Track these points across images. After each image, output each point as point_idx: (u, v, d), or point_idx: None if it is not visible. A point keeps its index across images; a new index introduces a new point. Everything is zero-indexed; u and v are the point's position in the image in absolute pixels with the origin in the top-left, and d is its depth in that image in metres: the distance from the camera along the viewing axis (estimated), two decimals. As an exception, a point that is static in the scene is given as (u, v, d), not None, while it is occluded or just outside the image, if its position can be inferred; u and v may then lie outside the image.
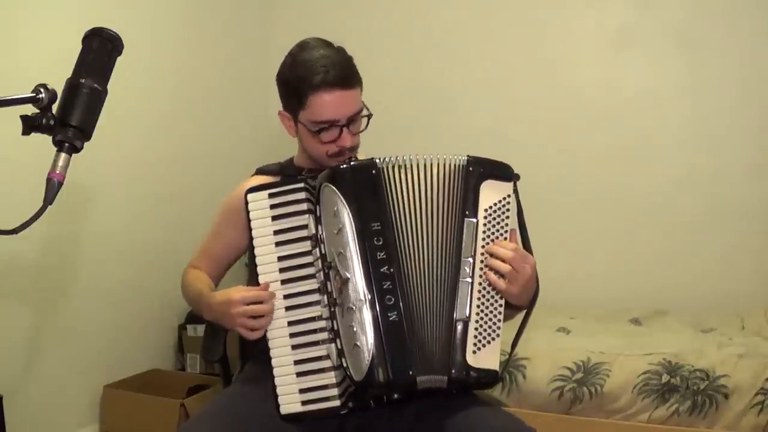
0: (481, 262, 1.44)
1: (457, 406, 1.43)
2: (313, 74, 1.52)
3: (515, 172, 1.50)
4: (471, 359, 1.39)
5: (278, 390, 1.45)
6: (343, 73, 1.53)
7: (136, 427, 2.73)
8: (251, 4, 3.72)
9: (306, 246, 1.48)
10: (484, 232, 1.45)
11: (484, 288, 1.43)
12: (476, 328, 1.41)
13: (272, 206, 1.50)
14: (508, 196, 1.48)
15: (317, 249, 1.46)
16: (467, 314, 1.41)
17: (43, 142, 1.17)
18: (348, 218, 1.42)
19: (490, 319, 1.42)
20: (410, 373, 1.38)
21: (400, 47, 3.63)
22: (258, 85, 3.52)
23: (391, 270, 1.41)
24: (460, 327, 1.40)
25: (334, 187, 1.44)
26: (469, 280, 1.42)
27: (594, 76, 3.33)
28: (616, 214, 3.29)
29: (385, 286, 1.40)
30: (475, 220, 1.45)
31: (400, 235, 1.45)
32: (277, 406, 1.44)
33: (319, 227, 1.46)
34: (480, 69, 3.50)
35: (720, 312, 2.96)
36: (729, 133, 3.15)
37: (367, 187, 1.45)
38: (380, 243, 1.42)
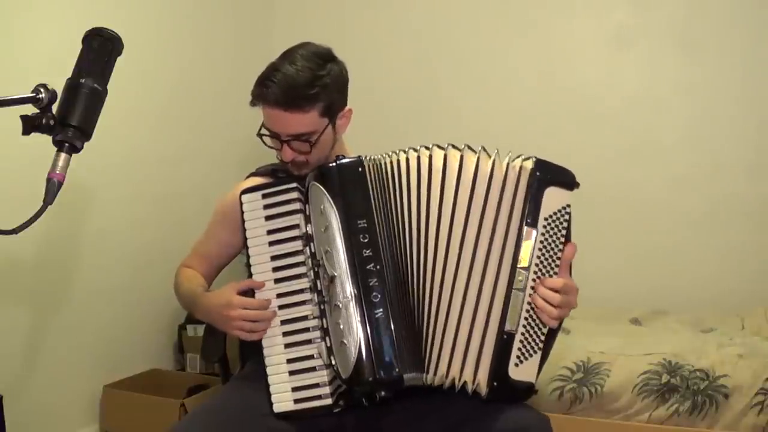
0: (535, 273, 1.41)
1: (465, 401, 1.44)
2: (258, 83, 1.52)
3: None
4: (512, 371, 1.38)
5: (271, 388, 1.46)
6: (285, 95, 1.48)
7: (136, 427, 2.73)
8: (250, 5, 3.72)
9: (298, 245, 1.49)
10: (542, 242, 1.41)
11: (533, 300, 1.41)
12: (521, 340, 1.40)
13: (266, 206, 1.52)
14: (568, 206, 1.44)
15: (308, 248, 1.46)
16: (515, 325, 1.39)
17: (43, 142, 1.18)
18: (334, 216, 1.43)
19: (536, 332, 1.41)
20: (396, 370, 1.37)
21: (400, 46, 3.63)
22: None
23: (378, 267, 1.41)
24: (507, 338, 1.39)
25: (321, 186, 1.45)
26: (523, 291, 1.40)
27: (593, 75, 3.33)
28: (615, 213, 3.29)
29: (370, 283, 1.40)
30: (534, 228, 1.41)
31: (389, 232, 1.44)
32: (271, 404, 1.45)
33: (309, 226, 1.46)
34: (480, 68, 3.50)
35: (720, 312, 2.95)
36: (728, 133, 3.14)
37: (353, 184, 1.45)
38: (366, 240, 1.42)
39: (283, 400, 1.45)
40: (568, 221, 1.44)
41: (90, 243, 2.82)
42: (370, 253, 1.41)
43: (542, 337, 1.41)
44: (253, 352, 1.60)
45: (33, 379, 2.60)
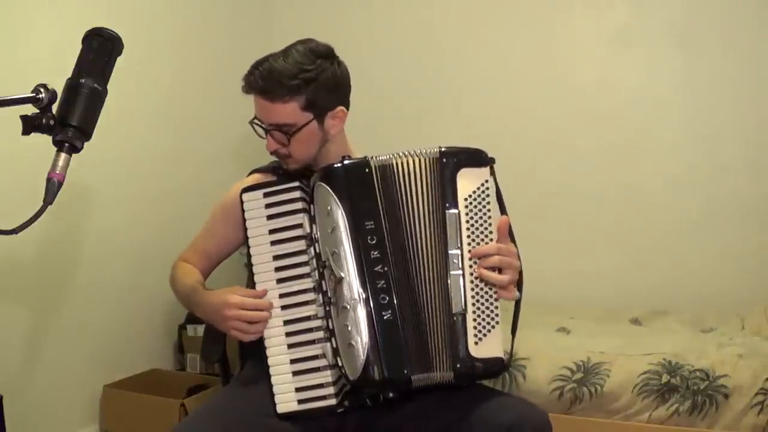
0: (469, 252, 1.43)
1: (464, 397, 1.44)
2: (247, 71, 1.55)
3: (490, 156, 1.49)
4: (474, 350, 1.39)
5: (274, 389, 1.46)
6: (266, 84, 1.51)
7: (136, 427, 2.73)
8: (249, 4, 3.72)
9: (301, 245, 1.48)
10: (467, 221, 1.44)
11: (476, 277, 1.43)
12: (474, 319, 1.41)
13: (267, 205, 1.51)
14: (486, 182, 1.47)
15: (312, 248, 1.46)
16: (463, 307, 1.41)
17: (43, 142, 1.17)
18: (341, 217, 1.42)
19: (487, 308, 1.42)
20: (405, 371, 1.38)
21: (402, 46, 3.63)
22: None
23: (385, 269, 1.41)
24: (458, 320, 1.40)
25: (327, 187, 1.44)
26: (459, 272, 1.42)
27: (593, 75, 3.34)
28: (615, 213, 3.29)
29: (379, 285, 1.40)
30: (456, 210, 1.44)
31: (396, 233, 1.44)
32: (274, 404, 1.45)
33: (314, 226, 1.46)
34: (480, 68, 3.50)
35: (720, 312, 2.95)
36: (727, 132, 3.15)
37: (360, 186, 1.45)
38: (374, 242, 1.42)
39: (286, 401, 1.45)
40: (491, 196, 1.46)
41: (90, 242, 2.82)
42: (378, 255, 1.42)
43: (497, 311, 1.42)
44: (253, 352, 1.60)
45: (33, 379, 2.60)
